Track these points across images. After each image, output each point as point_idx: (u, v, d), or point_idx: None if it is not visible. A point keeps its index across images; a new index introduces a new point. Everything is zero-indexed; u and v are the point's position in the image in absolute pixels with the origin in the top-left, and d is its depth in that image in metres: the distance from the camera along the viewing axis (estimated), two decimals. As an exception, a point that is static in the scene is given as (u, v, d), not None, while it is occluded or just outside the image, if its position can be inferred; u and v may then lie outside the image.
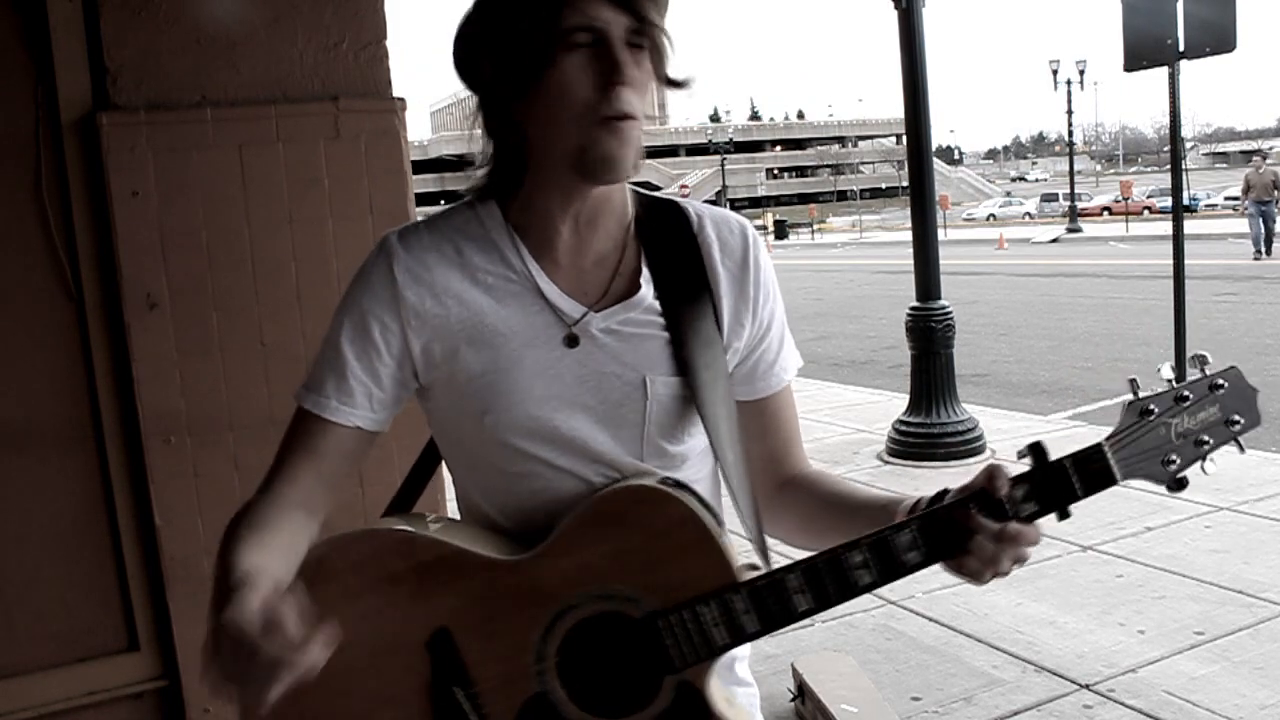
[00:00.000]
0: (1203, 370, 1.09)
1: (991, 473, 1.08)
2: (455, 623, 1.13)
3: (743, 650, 1.30)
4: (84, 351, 2.58)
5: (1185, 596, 4.13)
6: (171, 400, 2.60)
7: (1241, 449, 1.12)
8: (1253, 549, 4.61)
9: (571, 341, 1.17)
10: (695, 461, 1.23)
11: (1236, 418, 1.11)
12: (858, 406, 8.73)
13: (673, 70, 1.14)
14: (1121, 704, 3.29)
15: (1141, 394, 1.09)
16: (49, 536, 2.59)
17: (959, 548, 1.08)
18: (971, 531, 1.06)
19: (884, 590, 4.45)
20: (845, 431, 7.73)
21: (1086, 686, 3.43)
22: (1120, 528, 5.00)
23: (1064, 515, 1.09)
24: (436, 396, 1.22)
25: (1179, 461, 1.10)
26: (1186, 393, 1.09)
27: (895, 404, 7.92)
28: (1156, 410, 1.09)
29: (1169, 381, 1.09)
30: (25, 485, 2.56)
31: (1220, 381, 1.10)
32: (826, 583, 1.08)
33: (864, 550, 1.08)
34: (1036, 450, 1.08)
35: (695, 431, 1.21)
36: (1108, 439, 1.08)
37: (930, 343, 6.65)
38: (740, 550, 1.15)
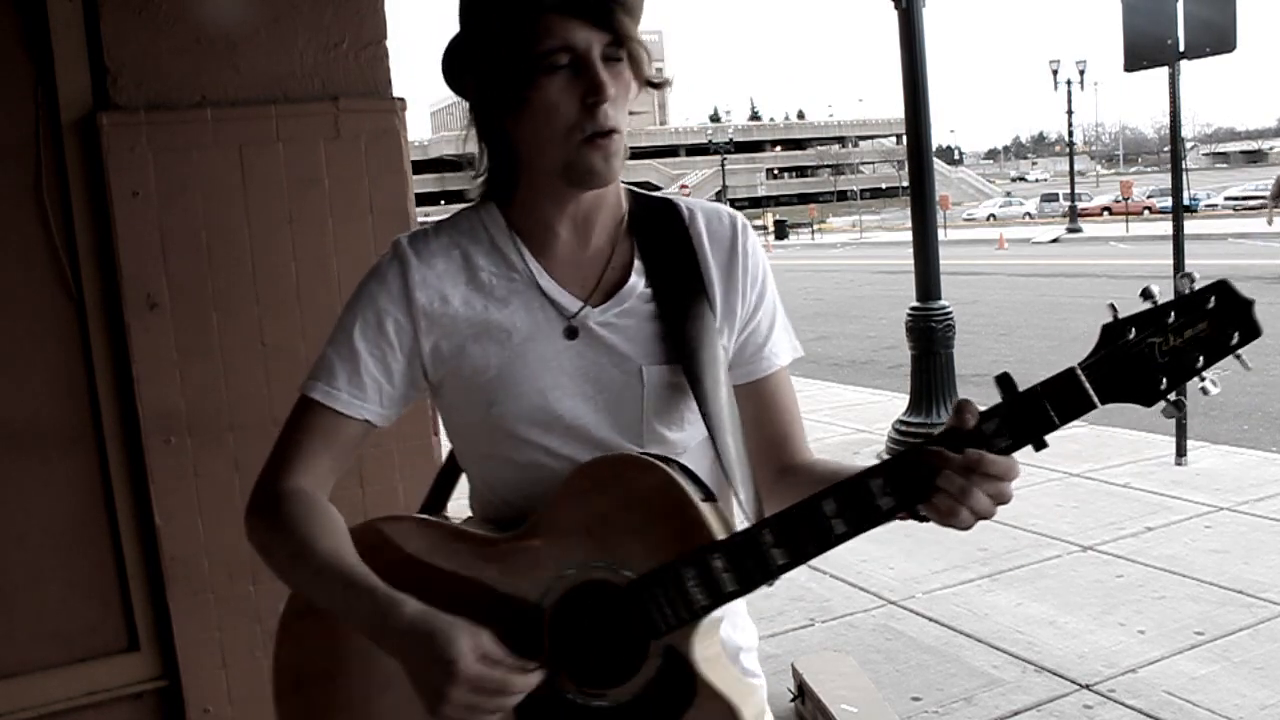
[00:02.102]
0: (1190, 288, 1.03)
1: (960, 407, 1.07)
2: (459, 599, 1.16)
3: (749, 641, 1.34)
4: (84, 351, 2.58)
5: (1185, 596, 4.13)
6: (171, 400, 2.59)
7: (1245, 365, 1.03)
8: (1253, 549, 4.61)
9: (571, 334, 1.22)
10: (697, 450, 1.25)
11: (1231, 331, 1.01)
12: (858, 406, 8.74)
13: (650, 74, 1.18)
14: (1122, 704, 3.29)
15: (1121, 315, 1.04)
16: (49, 536, 2.59)
17: (929, 486, 1.05)
18: (938, 467, 1.04)
19: (884, 590, 4.49)
20: (845, 431, 7.74)
21: (1087, 686, 3.43)
22: (1120, 528, 5.01)
23: (1040, 445, 1.05)
24: (447, 393, 1.27)
25: (1168, 381, 1.03)
26: (1169, 310, 1.03)
27: (895, 404, 7.93)
28: (1135, 330, 1.03)
29: (1151, 301, 1.03)
30: (25, 485, 2.55)
31: (1208, 295, 1.02)
32: (801, 535, 1.08)
33: (836, 499, 1.07)
34: (1004, 381, 1.07)
35: (694, 419, 1.23)
36: (1081, 363, 1.04)
37: (930, 343, 6.65)
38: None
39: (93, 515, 2.62)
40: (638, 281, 1.24)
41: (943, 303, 6.71)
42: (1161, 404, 1.04)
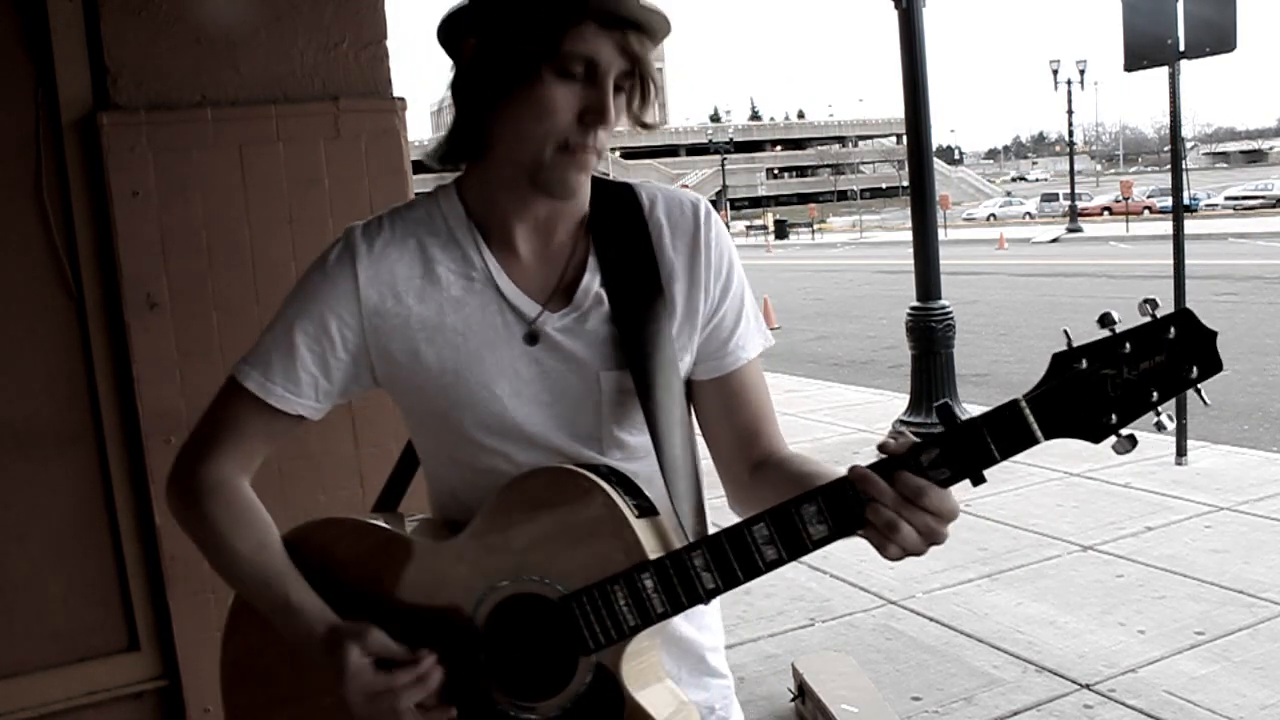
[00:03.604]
0: (1152, 315, 0.96)
1: (896, 435, 1.04)
2: (394, 607, 1.17)
3: (715, 641, 1.31)
4: (84, 351, 2.58)
5: (1185, 596, 4.14)
6: (171, 400, 2.59)
7: (1204, 400, 0.99)
8: (1253, 549, 4.61)
9: (531, 340, 1.18)
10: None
11: (1190, 365, 0.96)
12: (858, 406, 8.74)
13: (650, 117, 1.15)
14: (1122, 704, 3.29)
15: (1074, 344, 0.99)
16: (49, 536, 2.59)
17: (859, 517, 1.02)
18: (868, 498, 1.01)
19: (884, 590, 4.49)
20: (845, 431, 7.74)
21: (1087, 686, 3.43)
22: (1120, 528, 5.01)
23: (978, 480, 1.01)
24: (401, 395, 1.23)
25: (1118, 416, 0.98)
26: (1124, 341, 0.97)
27: (895, 404, 7.93)
28: (1087, 361, 0.98)
29: (1109, 330, 0.97)
30: (26, 485, 2.55)
31: (1168, 326, 0.96)
32: (731, 559, 1.05)
33: (768, 524, 1.04)
34: (944, 411, 1.02)
35: None
36: (1026, 394, 0.99)
37: (930, 343, 6.66)
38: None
39: (93, 515, 2.62)
40: (592, 282, 1.19)
41: (943, 303, 6.72)
42: (1111, 439, 0.99)
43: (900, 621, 4.10)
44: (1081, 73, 41.84)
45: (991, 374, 10.37)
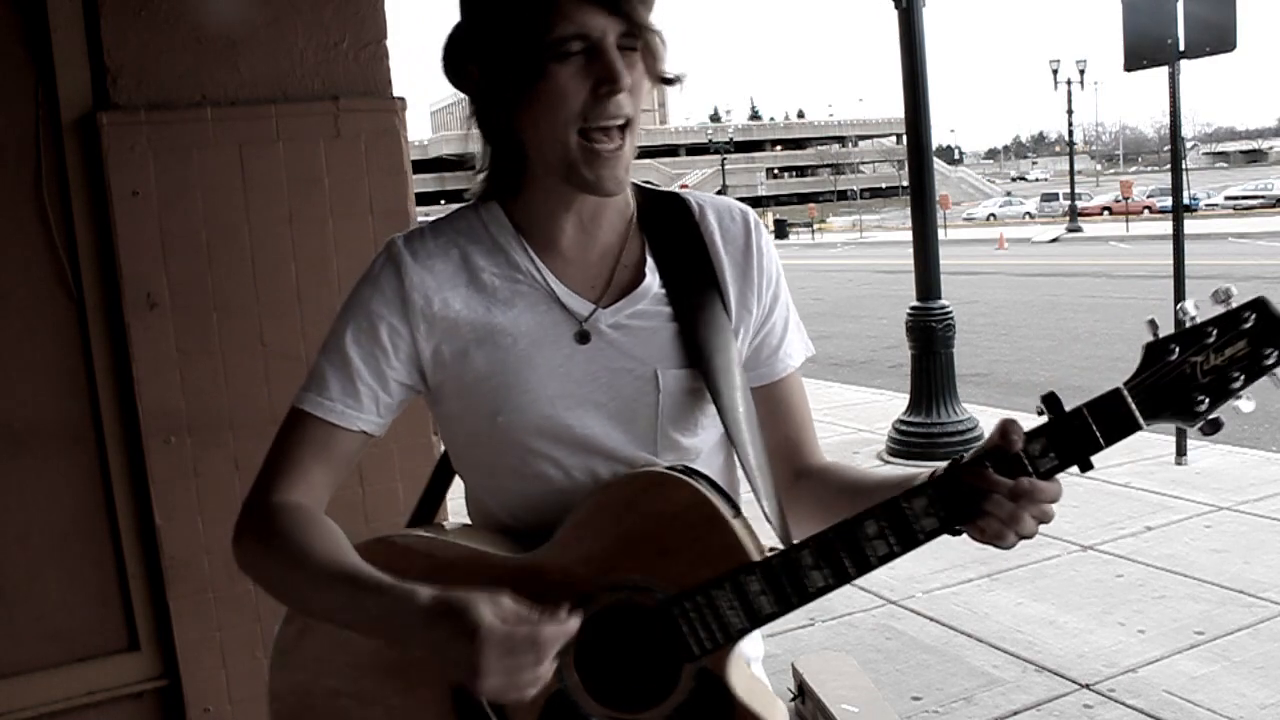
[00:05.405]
0: (1227, 303, 1.02)
1: (1005, 428, 1.04)
2: None
3: (756, 650, 1.30)
4: (84, 351, 2.58)
5: (1185, 596, 4.13)
6: (171, 400, 2.59)
7: (1279, 384, 1.05)
8: (1253, 549, 4.61)
9: (583, 338, 1.17)
10: (709, 454, 1.22)
11: (1268, 350, 1.02)
12: (858, 406, 8.74)
13: (666, 67, 1.13)
14: (1122, 704, 3.29)
15: (1160, 334, 1.04)
16: (49, 536, 2.59)
17: (976, 509, 1.03)
18: (987, 491, 1.03)
19: (884, 590, 4.47)
20: (845, 431, 7.74)
21: (1087, 686, 3.43)
22: (1120, 527, 5.01)
23: (1086, 466, 1.04)
24: (447, 399, 1.21)
25: (1208, 401, 1.03)
26: (1210, 328, 1.02)
27: (895, 404, 7.92)
28: (1178, 349, 1.03)
29: (1191, 318, 1.03)
30: (25, 485, 2.56)
31: (1246, 314, 1.02)
32: (842, 556, 1.05)
33: (879, 519, 1.04)
34: (1051, 401, 1.05)
35: (708, 423, 1.20)
36: (1126, 382, 1.03)
37: (930, 342, 6.65)
38: (763, 536, 1.14)
39: (93, 515, 2.62)
40: (653, 281, 1.19)
41: (943, 302, 6.71)
42: (1200, 422, 1.04)
43: (900, 621, 4.10)
44: (1081, 73, 41.88)
45: (991, 374, 10.37)
